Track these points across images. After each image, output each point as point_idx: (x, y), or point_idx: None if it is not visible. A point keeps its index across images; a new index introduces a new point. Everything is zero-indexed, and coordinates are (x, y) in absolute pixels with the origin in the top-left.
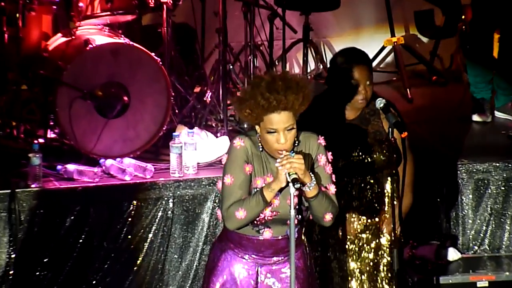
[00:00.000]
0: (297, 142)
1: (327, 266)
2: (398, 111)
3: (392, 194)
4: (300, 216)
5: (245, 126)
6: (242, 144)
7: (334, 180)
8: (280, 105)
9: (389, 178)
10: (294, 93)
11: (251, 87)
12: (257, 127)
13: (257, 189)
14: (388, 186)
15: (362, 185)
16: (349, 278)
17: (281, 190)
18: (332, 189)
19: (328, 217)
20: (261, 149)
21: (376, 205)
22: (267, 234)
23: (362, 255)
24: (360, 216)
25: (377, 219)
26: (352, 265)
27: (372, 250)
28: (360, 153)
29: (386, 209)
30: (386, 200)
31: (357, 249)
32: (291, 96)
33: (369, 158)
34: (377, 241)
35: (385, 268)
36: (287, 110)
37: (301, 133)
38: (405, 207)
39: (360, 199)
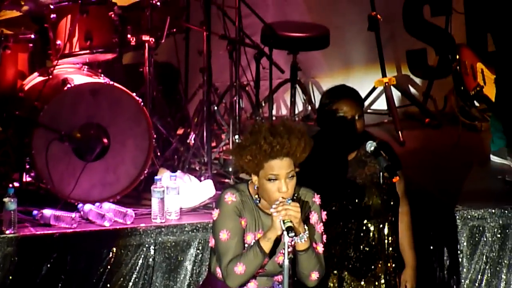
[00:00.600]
0: (295, 195)
1: None
2: (392, 152)
3: (388, 240)
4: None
5: (230, 169)
6: (234, 199)
7: (325, 241)
8: (283, 150)
9: (387, 224)
10: (297, 137)
11: (251, 133)
12: (254, 178)
13: (247, 245)
14: (386, 232)
15: (359, 230)
16: None
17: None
18: (319, 248)
19: (314, 276)
20: (257, 202)
21: (373, 251)
22: (251, 285)
23: None
24: (356, 263)
25: (373, 266)
26: None
27: None
28: (356, 197)
29: (383, 256)
30: (384, 246)
31: None
32: (294, 140)
33: (365, 202)
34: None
35: None
36: (289, 156)
37: (298, 188)
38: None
39: (357, 245)
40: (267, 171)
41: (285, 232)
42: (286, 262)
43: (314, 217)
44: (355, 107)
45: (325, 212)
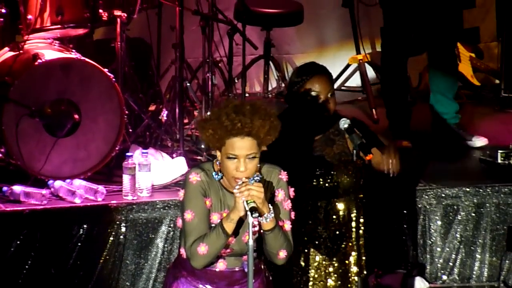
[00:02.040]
0: (258, 175)
1: None
2: (367, 129)
3: (358, 218)
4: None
5: (202, 146)
6: (198, 178)
7: (293, 217)
8: (245, 129)
9: (356, 203)
10: (261, 118)
11: (218, 107)
12: (218, 153)
13: (214, 224)
14: (355, 212)
15: (328, 208)
16: None
17: (237, 226)
18: (287, 226)
19: (282, 254)
20: (218, 177)
21: (342, 230)
22: (221, 265)
23: (328, 283)
24: (326, 242)
25: (343, 245)
26: None
27: (339, 278)
28: (325, 176)
29: (353, 235)
30: (353, 224)
31: (322, 276)
32: (257, 121)
33: (334, 181)
34: (343, 268)
35: None
36: (251, 136)
37: (264, 165)
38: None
39: (326, 224)
40: (227, 149)
41: (248, 213)
42: (251, 242)
43: (280, 195)
44: (327, 85)
45: (292, 189)
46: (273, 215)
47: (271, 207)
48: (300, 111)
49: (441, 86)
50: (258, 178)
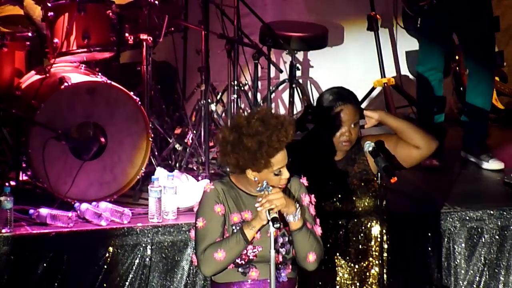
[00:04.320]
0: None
1: None
2: (388, 152)
3: (382, 238)
4: (284, 250)
5: (228, 169)
6: (212, 187)
7: (319, 223)
8: (287, 140)
9: (378, 224)
10: (290, 123)
11: (249, 135)
12: (252, 173)
13: (235, 225)
14: (376, 231)
15: (349, 228)
16: None
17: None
18: (318, 230)
19: (312, 257)
20: (237, 187)
21: (364, 249)
22: (253, 274)
23: None
24: (346, 261)
25: (364, 265)
26: None
27: None
28: (346, 195)
29: (374, 254)
30: (376, 244)
31: None
32: (289, 127)
33: (354, 202)
34: (366, 287)
35: None
36: (283, 148)
37: None
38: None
39: (347, 243)
40: (274, 167)
41: (270, 223)
42: (273, 253)
43: (306, 199)
44: (353, 115)
45: (313, 195)
46: (300, 213)
47: (298, 205)
48: (324, 135)
49: (477, 103)
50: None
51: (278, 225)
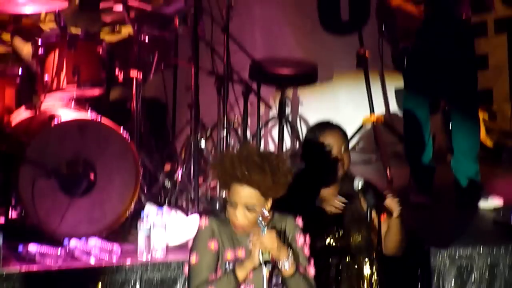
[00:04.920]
0: (264, 224)
1: None
2: (376, 190)
3: (371, 277)
4: None
5: (217, 207)
6: (206, 222)
7: (312, 263)
8: (244, 179)
9: (367, 261)
10: (263, 173)
11: (229, 151)
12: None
13: (228, 262)
14: (367, 270)
15: (340, 267)
16: None
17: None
18: (311, 271)
19: None
20: (231, 225)
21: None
22: None
23: None
24: None
25: None
26: None
27: None
28: (337, 235)
29: None
30: (365, 283)
31: None
32: (257, 175)
33: (346, 240)
34: None
35: None
36: (251, 185)
37: (275, 214)
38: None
39: (337, 281)
40: (230, 194)
41: (263, 265)
42: None
43: (300, 240)
44: (340, 140)
45: (307, 234)
46: (292, 260)
47: (290, 251)
48: (315, 168)
49: (463, 146)
50: (262, 224)
51: (270, 267)
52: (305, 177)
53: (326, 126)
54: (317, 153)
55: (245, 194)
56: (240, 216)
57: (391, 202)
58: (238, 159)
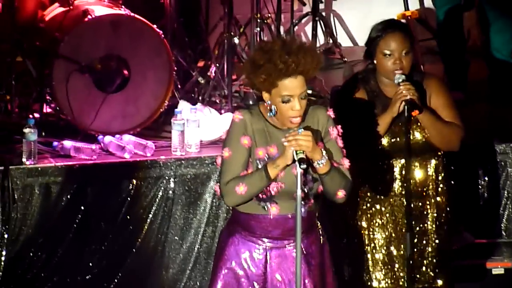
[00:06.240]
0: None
1: (358, 255)
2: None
3: (436, 177)
4: (307, 188)
5: (250, 102)
6: (241, 117)
7: (345, 153)
8: (298, 69)
9: (432, 161)
10: (311, 55)
11: (264, 52)
12: (265, 95)
13: (259, 160)
14: (431, 169)
15: (404, 167)
16: (389, 266)
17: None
18: (346, 163)
19: (341, 193)
20: (273, 114)
21: (419, 188)
22: (274, 210)
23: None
24: (402, 200)
25: (420, 203)
26: (394, 252)
27: (416, 236)
28: (399, 134)
29: (430, 193)
30: (430, 183)
31: (399, 234)
32: (308, 58)
33: (409, 139)
34: (421, 226)
35: (430, 255)
36: (303, 74)
37: (309, 106)
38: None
39: (402, 182)
40: (281, 91)
41: (297, 163)
42: (299, 192)
43: (334, 132)
44: (401, 43)
45: (339, 126)
46: (326, 159)
47: (324, 152)
48: (376, 69)
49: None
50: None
51: (305, 166)
52: (368, 74)
53: (387, 28)
54: (378, 58)
55: (299, 84)
56: (299, 107)
57: (404, 89)
58: (285, 53)
